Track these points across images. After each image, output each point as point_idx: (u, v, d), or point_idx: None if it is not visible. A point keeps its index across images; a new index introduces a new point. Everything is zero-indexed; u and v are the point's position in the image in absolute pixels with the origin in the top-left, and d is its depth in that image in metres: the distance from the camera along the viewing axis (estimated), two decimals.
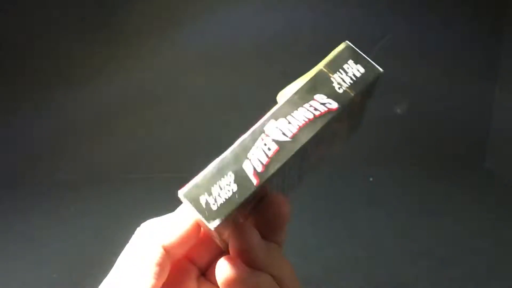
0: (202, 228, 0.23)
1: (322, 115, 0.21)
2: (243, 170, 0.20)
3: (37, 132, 1.28)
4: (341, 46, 0.22)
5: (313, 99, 0.21)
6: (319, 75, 0.22)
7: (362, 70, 0.22)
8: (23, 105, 1.27)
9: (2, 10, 1.21)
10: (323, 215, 1.01)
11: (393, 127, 1.32)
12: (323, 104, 0.21)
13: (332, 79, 0.22)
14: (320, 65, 0.22)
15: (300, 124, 0.21)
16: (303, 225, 0.91)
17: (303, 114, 0.21)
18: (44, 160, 1.29)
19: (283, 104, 0.21)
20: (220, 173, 0.20)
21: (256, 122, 0.22)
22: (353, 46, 0.22)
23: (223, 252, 0.25)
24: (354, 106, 0.22)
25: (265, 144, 0.20)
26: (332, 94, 0.21)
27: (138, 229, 0.24)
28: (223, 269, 0.21)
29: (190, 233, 0.22)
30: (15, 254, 0.91)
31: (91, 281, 0.88)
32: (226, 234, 0.21)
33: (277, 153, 0.20)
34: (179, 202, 0.26)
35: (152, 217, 0.24)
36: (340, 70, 0.22)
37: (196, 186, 0.19)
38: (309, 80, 0.22)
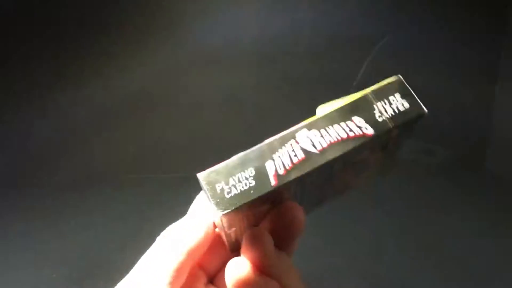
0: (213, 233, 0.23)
1: (355, 138, 0.21)
2: (264, 168, 0.20)
3: (37, 132, 1.28)
4: (393, 78, 0.22)
5: (351, 120, 0.21)
6: (363, 99, 0.22)
7: (407, 105, 0.22)
8: (23, 105, 1.27)
9: (2, 10, 1.21)
10: (323, 215, 1.01)
11: None
12: (359, 127, 0.21)
13: (374, 106, 0.22)
14: (367, 90, 0.22)
15: (332, 140, 0.21)
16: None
17: (337, 131, 0.21)
18: (44, 160, 1.29)
19: (321, 117, 0.21)
20: (242, 166, 0.20)
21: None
22: (404, 81, 0.22)
23: (231, 258, 0.25)
24: (390, 140, 0.23)
25: (292, 150, 0.20)
26: (370, 120, 0.21)
27: (161, 234, 0.24)
28: (234, 271, 0.21)
29: (207, 237, 0.23)
30: (15, 254, 0.91)
31: (91, 281, 0.88)
32: (232, 228, 0.22)
33: (302, 161, 0.20)
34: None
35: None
36: (385, 100, 0.22)
37: (216, 172, 0.20)
38: (352, 101, 0.22)
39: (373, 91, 0.22)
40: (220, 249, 0.24)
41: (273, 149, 0.20)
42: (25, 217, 1.07)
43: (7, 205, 1.14)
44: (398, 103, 0.22)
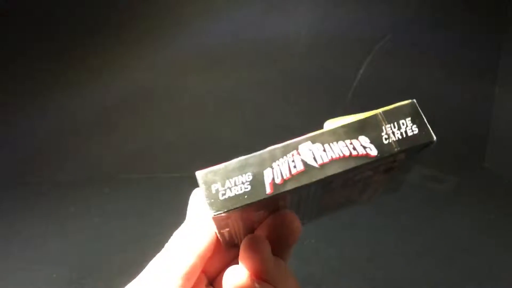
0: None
1: (358, 157, 0.20)
2: (262, 175, 0.20)
3: (37, 132, 1.28)
4: (406, 102, 0.22)
5: (356, 138, 0.21)
6: (372, 119, 0.21)
7: (416, 131, 0.21)
8: (23, 105, 1.27)
9: (2, 11, 1.21)
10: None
11: None
12: (364, 147, 0.21)
13: (383, 127, 0.21)
14: (378, 110, 0.22)
15: (334, 157, 0.20)
16: (308, 223, 0.91)
17: (340, 148, 0.20)
18: (45, 160, 1.29)
19: (327, 132, 0.21)
20: (240, 170, 0.20)
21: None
22: (418, 107, 0.22)
23: (231, 261, 0.25)
24: (395, 164, 0.22)
25: (293, 161, 0.20)
26: (376, 141, 0.21)
27: (172, 237, 0.24)
28: (232, 279, 0.21)
29: (213, 241, 0.23)
30: (15, 254, 0.91)
31: (91, 281, 0.88)
32: (226, 228, 0.22)
33: (300, 173, 0.20)
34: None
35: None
36: (395, 123, 0.21)
37: (213, 172, 0.20)
38: (361, 119, 0.21)
39: (384, 112, 0.22)
40: (220, 252, 0.25)
41: (274, 157, 0.20)
42: (25, 217, 1.07)
43: (7, 205, 1.14)
44: (408, 127, 0.21)
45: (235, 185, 0.20)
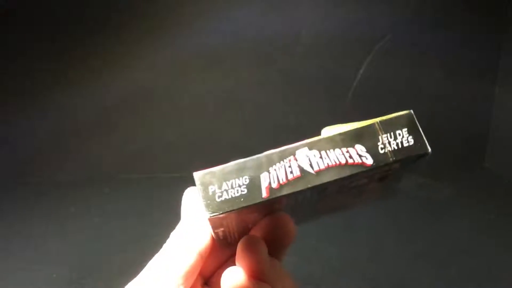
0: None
1: (353, 165, 0.21)
2: (259, 179, 0.20)
3: (37, 132, 1.28)
4: (404, 112, 0.22)
5: (353, 146, 0.21)
6: (369, 128, 0.22)
7: (412, 142, 0.22)
8: (23, 105, 1.27)
9: (2, 11, 1.21)
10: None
11: None
12: (360, 155, 0.21)
13: (379, 137, 0.22)
14: (375, 120, 0.22)
15: (330, 164, 0.21)
16: (303, 225, 0.91)
17: (336, 156, 0.21)
18: (44, 160, 1.29)
19: (324, 139, 0.21)
20: (237, 173, 0.20)
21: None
22: (415, 118, 0.22)
23: (225, 261, 0.26)
24: (389, 172, 0.23)
25: (289, 166, 0.21)
26: (372, 150, 0.21)
27: (170, 236, 0.24)
28: (230, 279, 0.21)
29: (212, 240, 0.24)
30: (15, 254, 0.91)
31: (91, 281, 0.88)
32: (220, 228, 0.22)
33: (296, 179, 0.20)
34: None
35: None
36: (391, 133, 0.22)
37: (211, 174, 0.20)
38: (358, 128, 0.22)
39: (381, 122, 0.22)
40: (214, 252, 0.25)
41: (271, 162, 0.21)
42: (25, 217, 1.07)
43: (7, 205, 1.14)
44: (404, 138, 0.22)
45: (232, 187, 0.20)
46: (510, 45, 1.26)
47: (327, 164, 0.21)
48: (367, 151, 0.21)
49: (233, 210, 0.20)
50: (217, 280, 0.23)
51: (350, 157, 0.21)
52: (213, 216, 0.20)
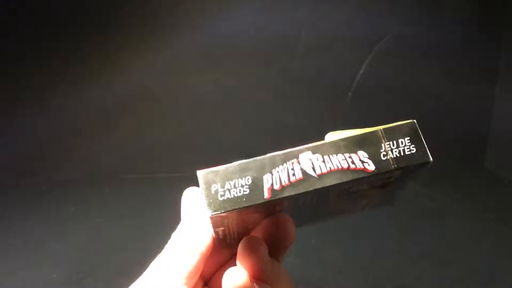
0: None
1: (355, 171, 0.21)
2: (261, 180, 0.20)
3: (37, 132, 1.28)
4: (407, 121, 0.23)
5: (355, 152, 0.22)
6: (373, 135, 0.22)
7: (414, 150, 0.22)
8: (24, 105, 1.27)
9: (2, 11, 1.21)
10: None
11: None
12: (362, 161, 0.21)
13: (382, 144, 0.22)
14: (379, 127, 0.23)
15: (332, 168, 0.21)
16: (303, 228, 0.91)
17: (339, 161, 0.21)
18: (44, 160, 1.29)
19: (327, 143, 0.22)
20: (240, 173, 0.20)
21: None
22: (418, 128, 0.23)
23: (225, 261, 0.26)
24: (390, 179, 0.23)
25: (292, 169, 0.21)
26: (374, 157, 0.22)
27: (172, 236, 0.24)
28: (231, 279, 0.22)
29: (213, 240, 0.24)
30: (15, 254, 0.91)
31: (91, 281, 0.88)
32: (220, 228, 0.22)
33: (298, 181, 0.21)
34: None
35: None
36: (394, 141, 0.22)
37: (214, 173, 0.20)
38: (361, 134, 0.22)
39: (384, 129, 0.22)
40: (214, 252, 0.25)
41: (274, 164, 0.21)
42: (25, 217, 1.07)
43: (7, 205, 1.14)
44: (406, 146, 0.22)
45: (235, 187, 0.20)
46: (510, 45, 1.26)
47: (330, 168, 0.21)
48: (370, 158, 0.21)
49: (235, 209, 0.20)
50: (217, 281, 0.23)
51: (353, 162, 0.21)
52: (215, 214, 0.20)
